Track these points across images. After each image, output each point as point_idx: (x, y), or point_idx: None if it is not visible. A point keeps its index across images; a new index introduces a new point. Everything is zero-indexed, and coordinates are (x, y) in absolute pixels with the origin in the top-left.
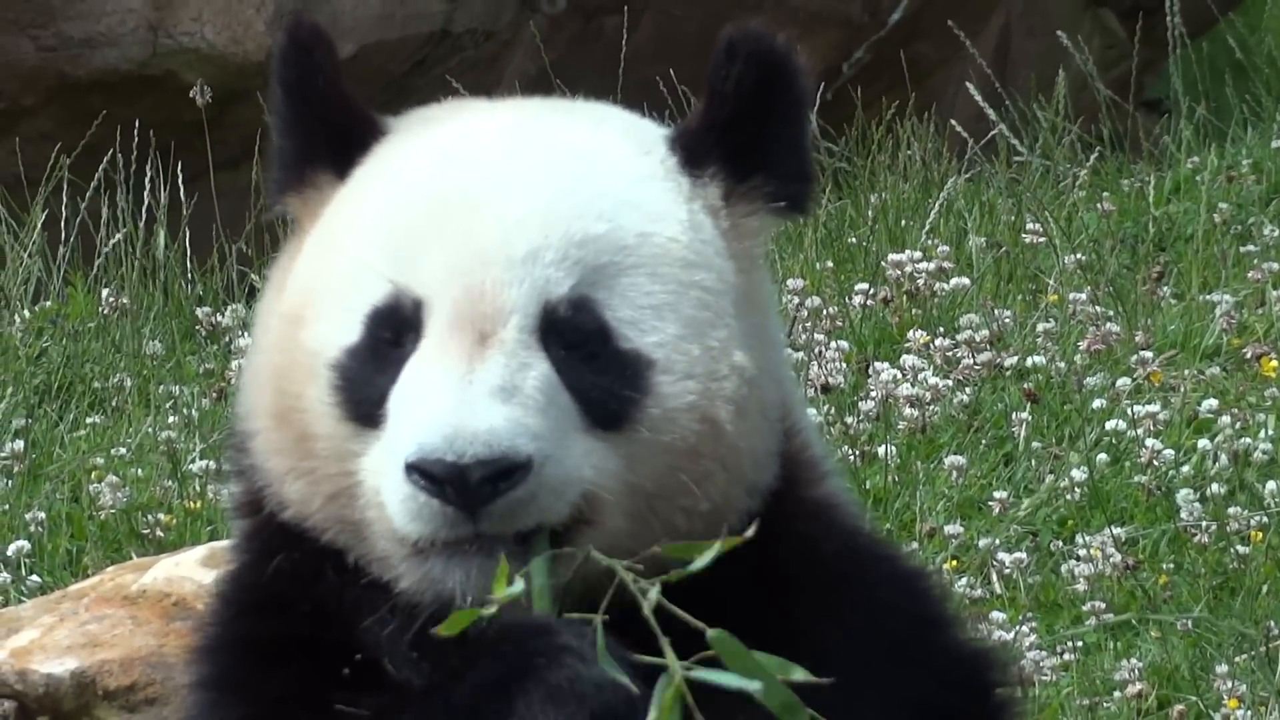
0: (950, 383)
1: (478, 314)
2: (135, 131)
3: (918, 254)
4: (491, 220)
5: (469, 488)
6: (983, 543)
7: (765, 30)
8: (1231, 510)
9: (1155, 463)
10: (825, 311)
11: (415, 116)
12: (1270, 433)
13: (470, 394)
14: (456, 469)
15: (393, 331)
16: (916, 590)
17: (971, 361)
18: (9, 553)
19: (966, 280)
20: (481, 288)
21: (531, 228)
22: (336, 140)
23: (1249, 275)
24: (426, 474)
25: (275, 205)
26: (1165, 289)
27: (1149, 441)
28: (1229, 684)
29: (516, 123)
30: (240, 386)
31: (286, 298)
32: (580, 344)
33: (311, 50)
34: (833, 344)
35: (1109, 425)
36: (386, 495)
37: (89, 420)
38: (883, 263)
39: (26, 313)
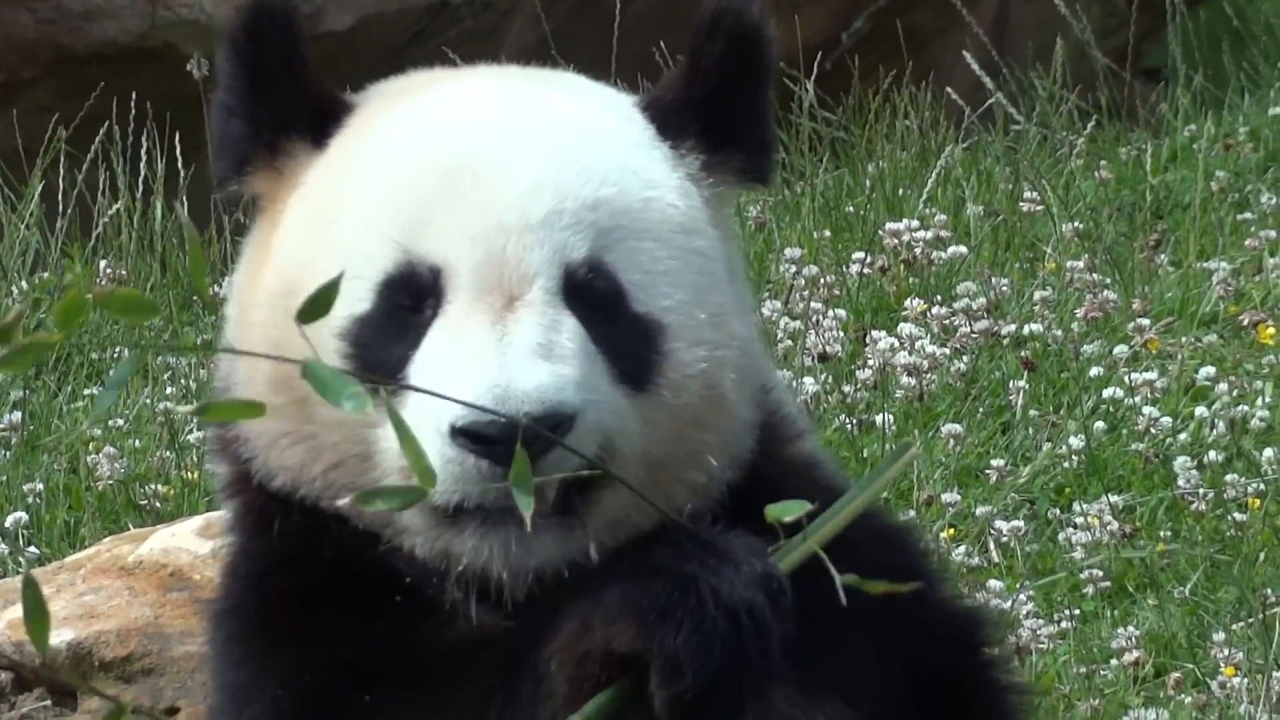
0: (947, 351)
1: (503, 278)
2: (133, 104)
3: (915, 223)
4: (504, 188)
5: (525, 445)
6: (980, 511)
7: (746, 7)
8: (1229, 478)
9: (1152, 430)
10: (823, 280)
11: (385, 88)
12: (1267, 400)
13: (511, 354)
14: (513, 427)
15: (411, 298)
16: (900, 545)
17: (969, 330)
18: (7, 524)
19: (964, 249)
20: (503, 253)
21: (545, 193)
22: (312, 110)
23: (1246, 243)
24: (476, 435)
25: (229, 184)
26: (1162, 257)
27: (1146, 409)
28: (1226, 652)
29: (504, 92)
30: (221, 364)
31: (276, 270)
32: (599, 306)
33: (280, 19)
34: (830, 312)
35: (1106, 393)
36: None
37: (86, 392)
38: (880, 231)
39: (24, 284)
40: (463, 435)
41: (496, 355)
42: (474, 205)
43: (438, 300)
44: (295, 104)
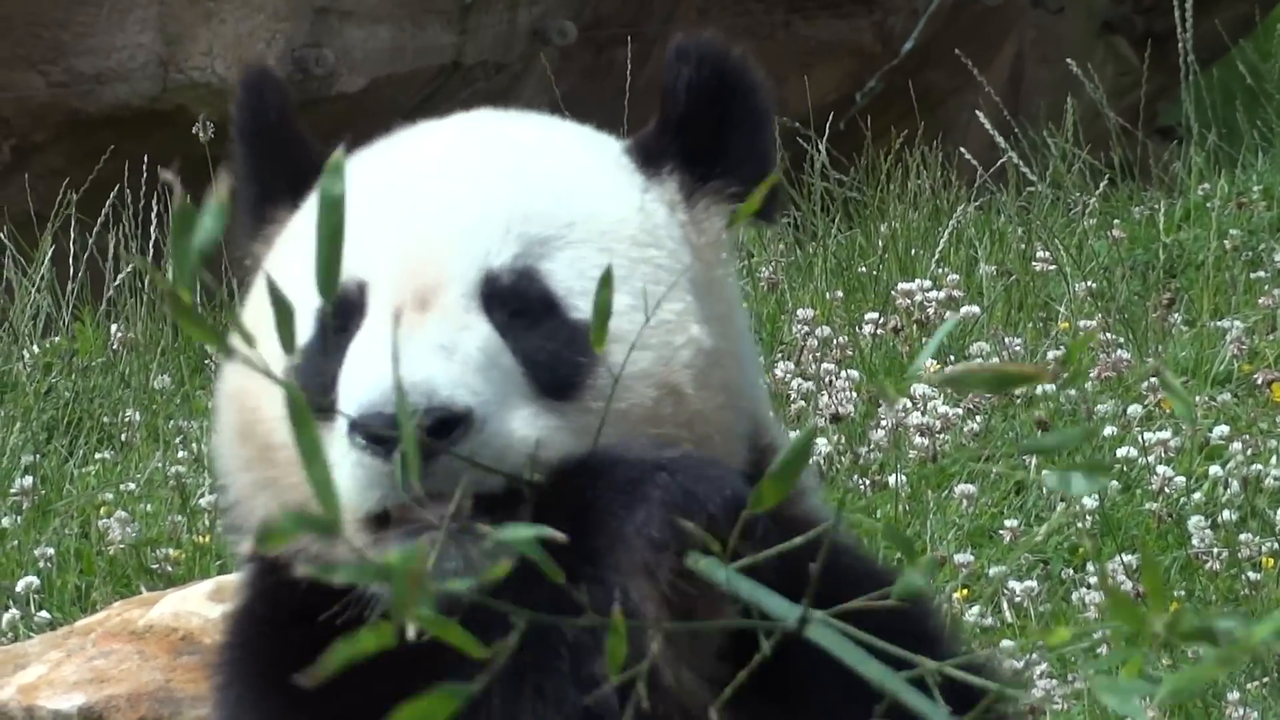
0: (960, 411)
1: (416, 285)
2: (144, 167)
3: (928, 283)
4: (433, 202)
5: (425, 437)
6: (993, 571)
7: (714, 37)
8: (1243, 537)
9: (1166, 490)
10: (835, 341)
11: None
12: None
13: (408, 351)
14: (395, 421)
15: (340, 317)
16: (909, 610)
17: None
18: (18, 589)
19: (976, 308)
20: (419, 262)
21: (472, 206)
22: (293, 175)
23: (1259, 301)
24: (368, 433)
25: (244, 255)
26: (1176, 315)
27: (1160, 468)
28: (1241, 710)
29: (465, 124)
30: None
31: (245, 316)
32: (523, 311)
33: (261, 91)
34: (843, 373)
35: (1120, 452)
36: (340, 475)
37: (98, 456)
38: (892, 291)
39: (35, 348)
40: (356, 432)
41: (393, 355)
42: (401, 220)
43: (361, 314)
44: (278, 172)
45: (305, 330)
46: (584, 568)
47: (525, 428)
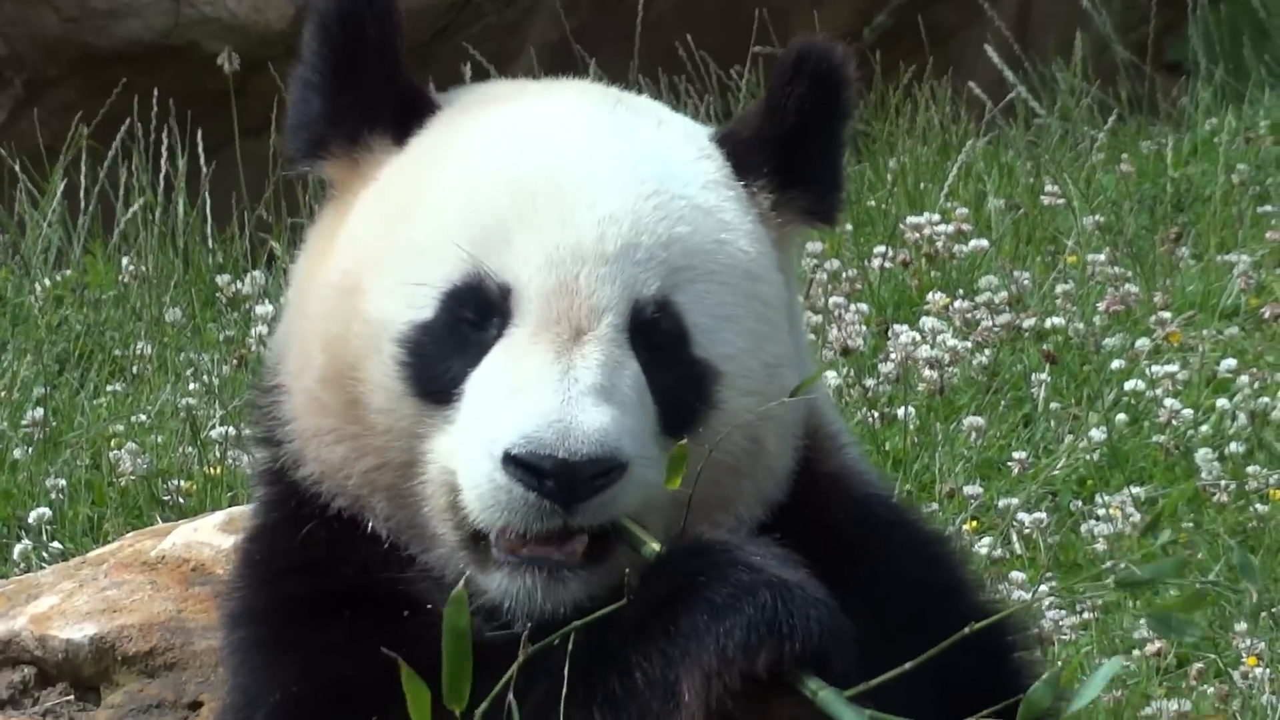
0: (969, 344)
1: (572, 308)
2: (155, 101)
3: (936, 216)
4: (582, 213)
5: (575, 483)
6: (1002, 503)
7: (832, 44)
8: (1250, 469)
9: (1174, 422)
10: (844, 274)
11: (468, 94)
12: None
13: (575, 391)
14: (568, 465)
15: (476, 314)
16: (933, 557)
17: (990, 323)
18: (30, 520)
19: (985, 242)
20: (576, 282)
21: (623, 224)
22: (396, 107)
23: (1267, 235)
24: (530, 467)
25: (300, 165)
26: (1183, 250)
27: (1168, 401)
28: (1248, 642)
29: (587, 114)
30: (272, 350)
31: (340, 265)
32: (662, 346)
33: (379, 6)
34: (852, 307)
35: (1128, 385)
36: (465, 480)
37: (109, 388)
38: (901, 225)
39: (47, 281)
40: (516, 464)
41: (560, 389)
42: (551, 228)
43: (504, 320)
44: (383, 98)
45: (424, 304)
46: (658, 640)
47: (656, 473)
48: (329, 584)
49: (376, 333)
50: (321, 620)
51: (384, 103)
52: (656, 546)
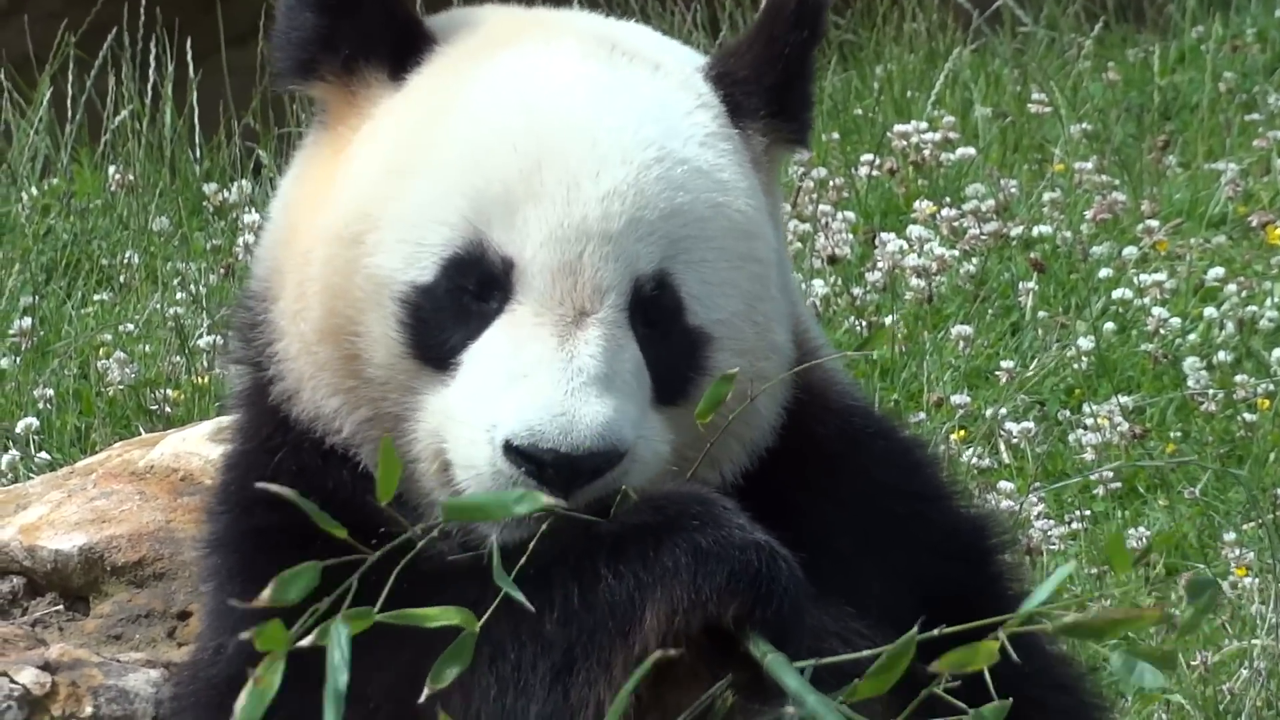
0: (957, 253)
1: (576, 288)
2: (142, 9)
3: (923, 125)
4: (588, 189)
5: (576, 475)
6: (990, 412)
7: None
8: (1238, 378)
9: (1162, 331)
10: (831, 183)
11: (465, 28)
12: (1276, 300)
13: (578, 383)
14: (570, 460)
15: (477, 284)
16: (912, 464)
17: (978, 231)
18: (17, 430)
19: (972, 150)
20: (580, 261)
21: (627, 200)
22: (395, 39)
23: (1254, 144)
24: (531, 457)
25: (287, 83)
26: (1171, 158)
27: (1155, 310)
28: (1237, 552)
29: (587, 71)
30: (258, 273)
31: (340, 213)
32: (658, 322)
33: None
34: (839, 215)
35: (1115, 294)
36: (461, 459)
37: (96, 297)
38: (888, 134)
39: (34, 190)
40: (518, 454)
41: (564, 380)
42: (556, 202)
43: (505, 295)
44: (380, 25)
45: (425, 267)
46: (633, 562)
47: (660, 448)
48: (300, 515)
49: (378, 289)
50: (293, 549)
51: (382, 32)
52: None
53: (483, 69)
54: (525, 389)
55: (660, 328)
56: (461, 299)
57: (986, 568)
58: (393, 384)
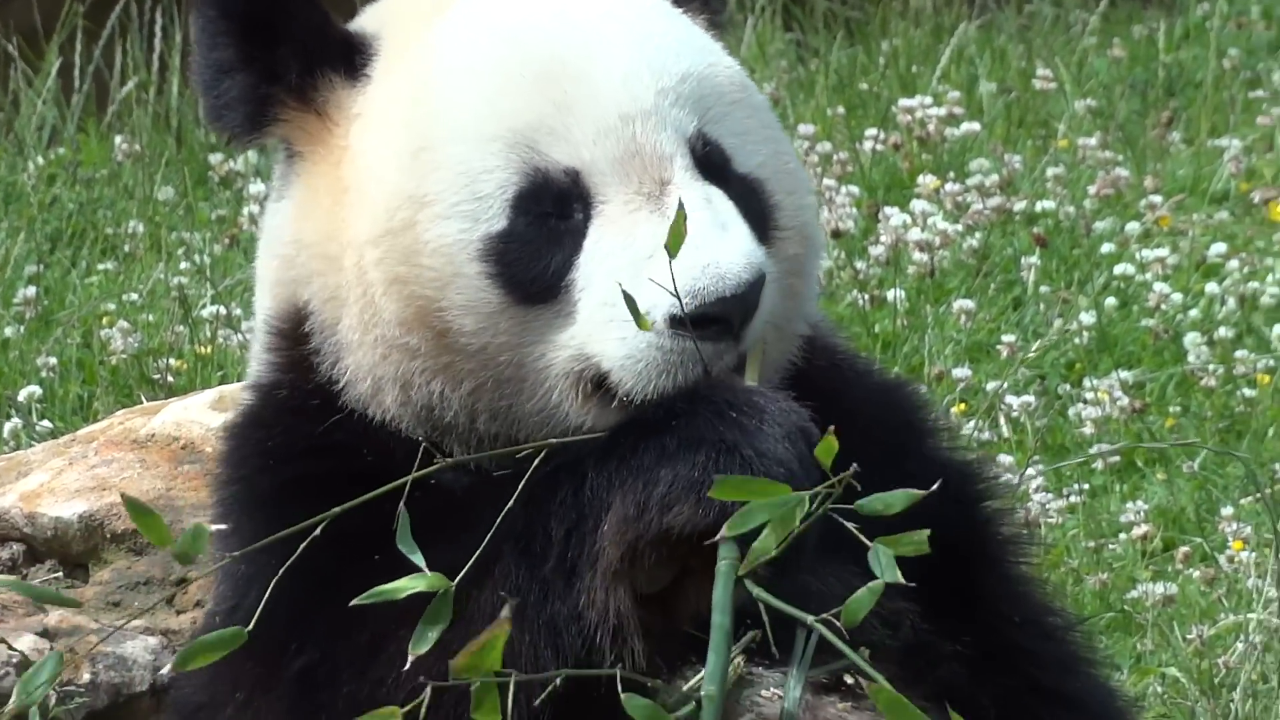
0: (960, 227)
1: (646, 165)
2: None
3: (928, 100)
4: (605, 78)
5: (746, 312)
6: (991, 386)
7: None
8: (1239, 354)
9: (1163, 307)
10: (836, 157)
11: (393, 9)
12: (1278, 276)
13: (700, 234)
14: (738, 298)
15: (555, 206)
16: (897, 400)
17: (981, 206)
18: (20, 398)
19: (977, 125)
20: (635, 141)
21: (644, 76)
22: (333, 40)
23: (1257, 120)
24: (701, 319)
25: (245, 142)
26: (1174, 134)
27: (1157, 286)
28: (1234, 526)
29: None
30: (272, 309)
31: (371, 213)
32: (717, 174)
33: None
34: (843, 189)
35: (1117, 269)
36: (621, 355)
37: (101, 266)
38: (893, 108)
39: (40, 159)
40: (686, 324)
41: (688, 240)
42: (584, 102)
43: (586, 202)
44: (315, 39)
45: (492, 216)
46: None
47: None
48: (342, 463)
49: (450, 259)
50: (328, 498)
51: (321, 43)
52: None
53: (450, 23)
54: (659, 265)
55: (723, 180)
56: (546, 224)
57: (976, 509)
58: (494, 345)
